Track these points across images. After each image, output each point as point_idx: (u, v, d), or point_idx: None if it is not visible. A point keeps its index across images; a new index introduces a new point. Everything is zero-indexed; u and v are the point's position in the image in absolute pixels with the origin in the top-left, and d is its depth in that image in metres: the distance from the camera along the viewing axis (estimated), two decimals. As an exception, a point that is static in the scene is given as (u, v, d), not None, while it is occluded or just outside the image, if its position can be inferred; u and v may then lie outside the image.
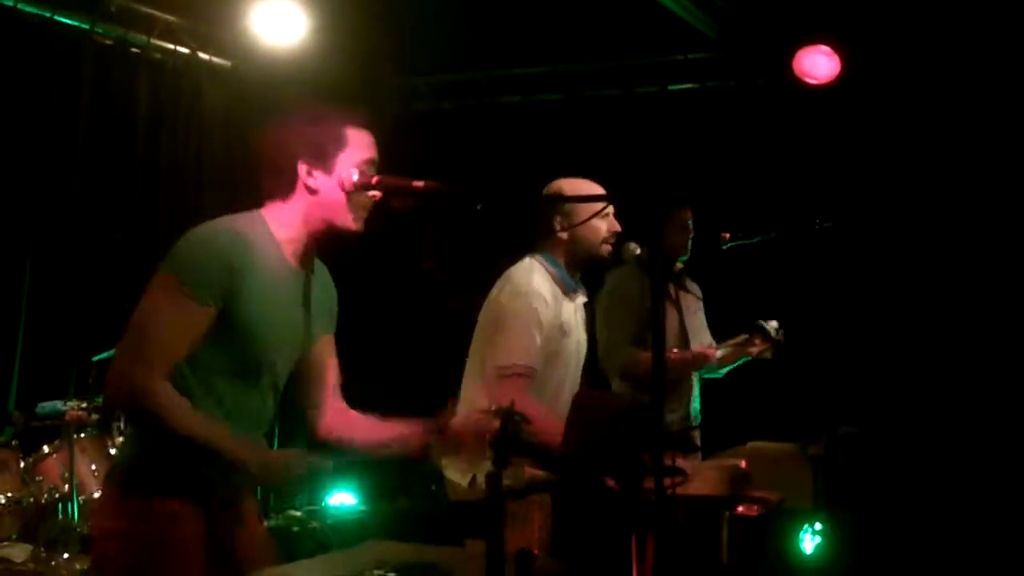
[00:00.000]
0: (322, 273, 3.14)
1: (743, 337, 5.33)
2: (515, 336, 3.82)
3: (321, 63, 7.09)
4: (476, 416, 2.94)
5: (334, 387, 3.22)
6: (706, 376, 5.45)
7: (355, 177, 2.91)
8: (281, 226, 2.92)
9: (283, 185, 2.92)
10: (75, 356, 5.89)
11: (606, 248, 4.06)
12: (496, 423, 2.39)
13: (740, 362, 5.40)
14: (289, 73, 6.95)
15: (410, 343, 7.75)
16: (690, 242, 5.41)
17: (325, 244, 3.03)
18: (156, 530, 2.79)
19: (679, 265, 5.44)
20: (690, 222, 5.40)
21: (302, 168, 2.90)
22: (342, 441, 3.18)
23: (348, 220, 2.93)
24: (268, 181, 2.94)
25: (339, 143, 2.91)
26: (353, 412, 3.22)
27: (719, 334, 5.53)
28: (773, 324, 5.42)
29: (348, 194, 2.91)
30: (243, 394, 2.90)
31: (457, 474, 3.83)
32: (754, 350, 5.30)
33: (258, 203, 2.97)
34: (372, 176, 2.92)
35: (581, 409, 2.77)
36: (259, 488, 3.37)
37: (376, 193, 2.94)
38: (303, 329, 3.03)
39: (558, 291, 3.97)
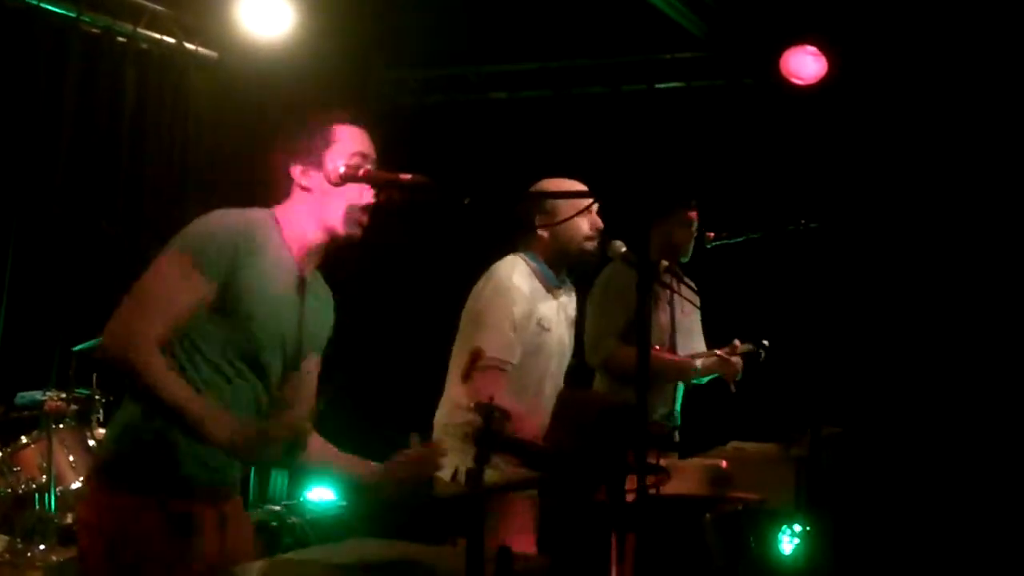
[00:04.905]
0: (323, 290, 3.14)
1: (725, 349, 5.31)
2: (488, 330, 3.87)
3: (308, 55, 7.06)
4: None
5: (308, 407, 3.18)
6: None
7: (341, 169, 2.92)
8: (290, 227, 2.95)
9: (283, 189, 2.98)
10: (55, 346, 5.85)
11: (589, 244, 4.07)
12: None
13: (711, 377, 5.39)
14: (275, 65, 6.93)
15: (394, 342, 7.72)
16: (692, 242, 5.38)
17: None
18: (137, 525, 2.78)
19: (664, 263, 5.34)
20: (695, 223, 5.37)
21: (296, 170, 2.95)
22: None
23: (339, 219, 2.94)
24: (272, 186, 3.00)
25: (326, 140, 2.96)
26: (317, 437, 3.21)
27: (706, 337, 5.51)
28: (764, 343, 5.39)
29: (336, 188, 2.91)
30: (237, 387, 2.89)
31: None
32: (726, 368, 5.28)
33: (250, 197, 3.01)
34: (362, 168, 2.92)
35: (566, 406, 2.77)
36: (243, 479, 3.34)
37: (369, 199, 2.96)
38: (296, 335, 3.00)
39: (539, 287, 3.99)
